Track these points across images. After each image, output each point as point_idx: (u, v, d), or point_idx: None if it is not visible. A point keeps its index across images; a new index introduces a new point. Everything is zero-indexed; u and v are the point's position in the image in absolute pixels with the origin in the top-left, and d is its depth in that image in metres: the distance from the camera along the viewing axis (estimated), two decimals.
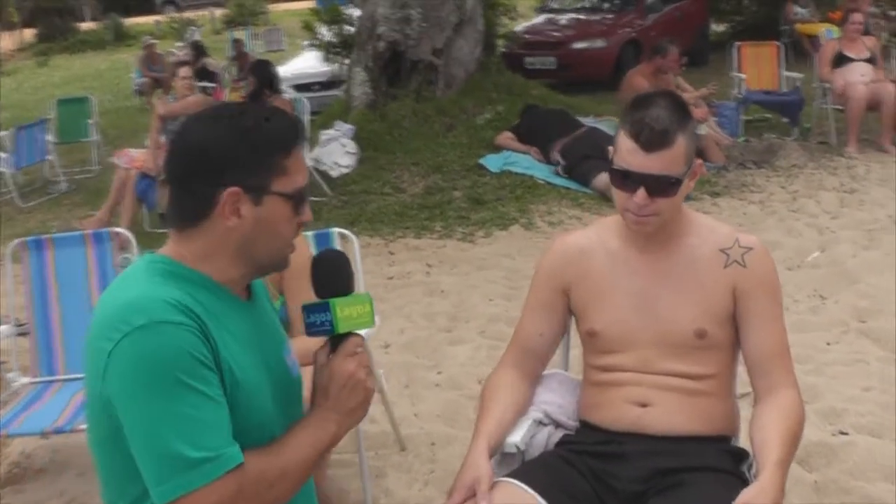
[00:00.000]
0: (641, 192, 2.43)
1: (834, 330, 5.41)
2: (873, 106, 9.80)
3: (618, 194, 2.51)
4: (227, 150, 1.87)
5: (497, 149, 9.42)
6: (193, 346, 1.79)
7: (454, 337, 5.52)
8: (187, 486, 1.75)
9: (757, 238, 2.63)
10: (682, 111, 2.48)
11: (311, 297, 3.41)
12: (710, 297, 2.55)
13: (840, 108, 10.10)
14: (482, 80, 10.69)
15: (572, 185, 8.72)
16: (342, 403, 1.96)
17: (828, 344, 5.24)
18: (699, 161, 2.54)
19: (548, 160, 9.09)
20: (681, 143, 2.43)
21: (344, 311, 1.94)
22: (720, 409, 2.61)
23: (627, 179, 2.45)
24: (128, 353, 1.76)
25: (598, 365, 2.65)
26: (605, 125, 9.98)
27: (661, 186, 2.43)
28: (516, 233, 7.73)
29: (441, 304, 6.08)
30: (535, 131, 9.30)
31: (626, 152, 2.45)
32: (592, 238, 2.71)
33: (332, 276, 2.00)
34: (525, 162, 9.15)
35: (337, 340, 1.97)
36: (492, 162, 9.14)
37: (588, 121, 10.04)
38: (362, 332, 2.01)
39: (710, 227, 2.65)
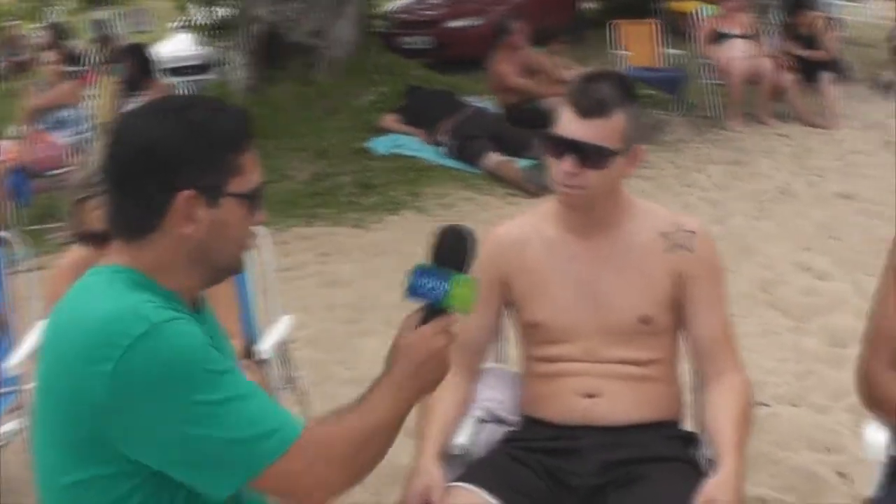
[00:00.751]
0: (570, 160, 2.38)
1: (741, 303, 5.47)
2: (753, 80, 10.02)
3: (550, 163, 2.46)
4: (180, 149, 1.71)
5: (383, 131, 9.31)
6: (199, 334, 1.67)
7: (360, 329, 5.39)
8: (264, 461, 1.65)
9: (699, 221, 2.61)
10: (626, 91, 2.45)
11: (229, 302, 3.23)
12: (652, 282, 2.51)
13: (721, 83, 10.28)
14: (362, 61, 10.55)
15: (462, 166, 8.67)
16: (423, 375, 1.82)
17: (737, 317, 5.29)
18: (641, 147, 2.49)
19: (435, 142, 9.02)
20: (619, 118, 2.39)
21: (461, 288, 1.85)
22: (668, 394, 2.58)
23: (559, 146, 2.41)
24: (141, 366, 1.60)
25: (542, 356, 2.59)
26: (488, 104, 9.96)
27: (592, 156, 2.38)
28: (409, 217, 7.65)
29: (342, 295, 5.95)
30: (421, 112, 9.23)
31: (563, 119, 2.41)
32: (526, 227, 2.64)
33: (461, 251, 1.89)
34: (412, 144, 9.06)
35: (433, 312, 1.86)
36: (379, 145, 9.02)
37: (472, 100, 9.98)
38: None
39: (649, 210, 2.61)
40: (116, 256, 1.78)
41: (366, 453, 1.76)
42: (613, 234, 2.53)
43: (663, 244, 2.52)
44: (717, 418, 2.41)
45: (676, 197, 7.80)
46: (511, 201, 7.95)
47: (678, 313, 2.54)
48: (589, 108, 2.37)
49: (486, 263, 2.58)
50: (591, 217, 2.51)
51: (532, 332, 2.60)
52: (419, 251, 6.33)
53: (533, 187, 8.02)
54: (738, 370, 2.52)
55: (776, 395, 4.36)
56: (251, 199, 1.80)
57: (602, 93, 2.38)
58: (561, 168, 2.40)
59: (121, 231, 1.78)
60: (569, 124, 2.39)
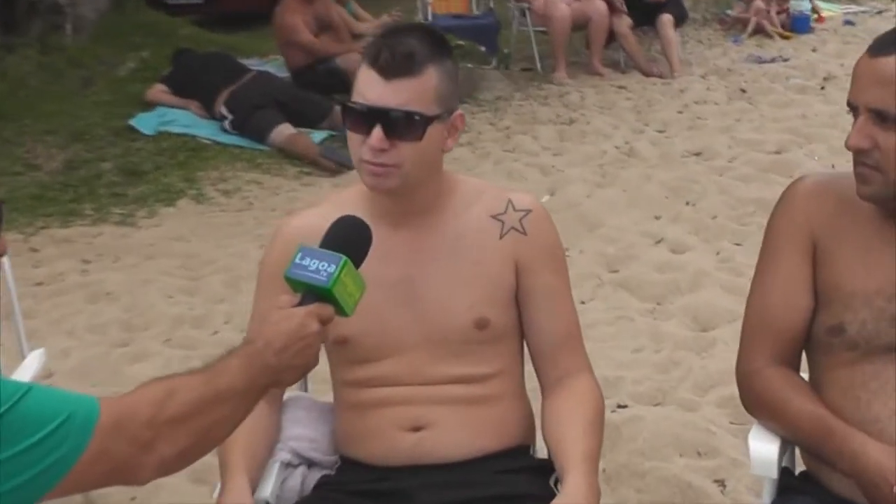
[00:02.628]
0: (378, 132, 2.23)
1: (586, 285, 5.48)
2: (580, 25, 10.14)
3: (351, 140, 2.32)
4: None
5: (149, 105, 9.05)
6: None
7: (134, 352, 5.15)
8: (71, 452, 1.65)
9: (533, 196, 2.54)
10: (438, 44, 2.33)
11: None
12: (487, 276, 2.42)
13: (542, 29, 10.36)
14: (119, 21, 10.31)
15: (245, 142, 8.51)
16: (286, 356, 1.87)
17: (582, 303, 5.28)
18: (459, 112, 2.37)
19: (212, 115, 8.81)
20: (431, 76, 2.27)
21: (348, 278, 1.93)
22: (513, 414, 2.50)
23: (362, 117, 2.26)
24: None
25: (354, 380, 2.46)
26: (273, 67, 9.87)
27: (403, 125, 2.25)
28: (186, 208, 7.43)
29: (110, 311, 5.67)
30: (193, 81, 9.00)
31: (363, 84, 2.27)
32: (329, 217, 2.43)
33: (355, 238, 2.03)
34: (185, 119, 8.82)
35: (312, 298, 1.93)
36: (144, 122, 8.74)
37: (253, 63, 9.85)
38: None
39: (476, 189, 2.51)
40: None
41: (205, 418, 1.79)
42: (436, 222, 2.43)
43: (497, 229, 2.43)
44: (560, 428, 2.35)
45: (498, 165, 7.81)
46: (306, 182, 7.86)
47: (518, 312, 2.47)
48: (393, 66, 2.23)
49: (278, 269, 2.42)
50: (408, 203, 2.39)
51: (341, 351, 2.45)
52: (199, 249, 6.13)
53: (331, 163, 7.97)
54: (583, 371, 2.48)
55: (635, 393, 4.36)
56: None
57: (408, 46, 2.26)
58: (366, 144, 2.25)
59: None
60: (370, 89, 2.25)
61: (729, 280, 5.35)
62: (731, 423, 4.06)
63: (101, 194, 7.62)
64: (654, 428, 4.03)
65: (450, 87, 2.32)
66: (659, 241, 6.02)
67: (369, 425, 2.44)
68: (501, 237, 2.43)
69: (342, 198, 2.53)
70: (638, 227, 6.24)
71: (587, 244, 6.02)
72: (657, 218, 6.40)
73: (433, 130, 2.28)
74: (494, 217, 2.44)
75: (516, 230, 2.43)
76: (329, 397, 2.61)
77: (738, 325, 4.65)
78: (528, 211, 2.45)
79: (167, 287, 5.94)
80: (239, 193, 7.64)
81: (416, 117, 2.25)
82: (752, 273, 5.27)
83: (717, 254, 5.76)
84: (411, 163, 2.28)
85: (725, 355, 4.54)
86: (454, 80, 2.35)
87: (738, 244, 5.84)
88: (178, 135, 8.56)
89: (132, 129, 8.65)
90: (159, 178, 7.86)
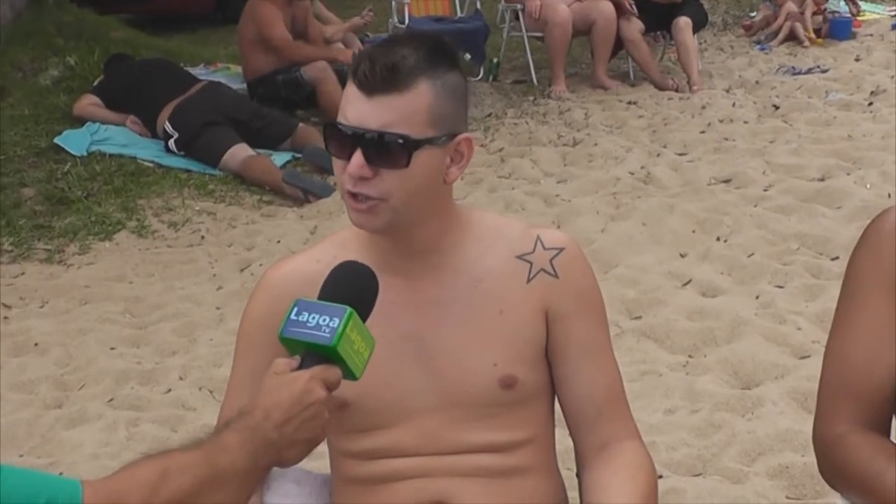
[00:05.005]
0: (357, 158, 2.22)
1: None
2: (582, 30, 10.19)
3: (336, 167, 2.32)
4: None
5: (77, 121, 9.03)
6: None
7: (71, 414, 5.11)
8: None
9: (565, 234, 2.54)
10: (437, 55, 2.30)
11: None
12: (513, 327, 2.41)
13: (539, 35, 10.41)
14: (38, 20, 10.36)
15: (193, 165, 8.54)
16: (287, 430, 1.91)
17: None
18: (465, 136, 2.35)
19: (154, 132, 8.83)
20: (423, 92, 2.24)
21: (354, 332, 1.96)
22: (546, 488, 2.50)
23: (341, 141, 2.26)
24: None
25: (358, 451, 2.45)
26: (223, 76, 9.89)
27: (384, 149, 2.23)
28: (126, 242, 7.41)
29: (39, 365, 5.65)
30: (130, 92, 9.00)
31: (346, 101, 2.27)
32: (324, 261, 2.42)
33: (361, 286, 2.06)
34: (121, 137, 8.83)
35: (313, 360, 1.96)
36: (73, 141, 8.71)
37: (200, 72, 9.90)
38: None
39: (496, 226, 2.50)
40: None
41: (202, 500, 1.82)
42: (448, 266, 2.42)
43: (524, 271, 2.43)
44: None
45: (493, 193, 7.84)
46: (267, 212, 7.86)
47: (549, 368, 2.46)
48: (373, 79, 2.22)
49: (264, 322, 2.43)
50: (414, 243, 2.38)
51: (340, 418, 2.41)
52: (145, 291, 6.10)
53: (296, 191, 7.97)
54: (631, 438, 2.47)
55: (671, 461, 4.35)
56: None
57: (393, 57, 2.23)
58: (347, 171, 2.25)
59: None
60: (351, 107, 2.25)
61: (771, 328, 5.35)
62: (788, 497, 4.05)
63: (22, 226, 7.58)
64: (697, 503, 4.04)
65: (450, 106, 2.29)
66: (687, 283, 6.02)
67: (380, 502, 2.43)
68: (529, 281, 2.41)
69: (337, 239, 2.53)
70: (661, 266, 6.24)
71: (602, 287, 5.81)
72: (683, 256, 6.41)
73: (426, 156, 2.26)
74: (520, 258, 2.43)
75: (546, 273, 2.42)
76: (323, 467, 2.59)
77: (786, 382, 4.81)
78: (560, 249, 2.44)
79: (108, 337, 5.91)
80: (188, 225, 7.63)
81: (400, 140, 2.22)
82: (797, 321, 5.36)
83: (756, 297, 5.76)
84: (400, 195, 2.26)
85: (774, 417, 4.55)
86: (458, 98, 2.33)
87: (779, 286, 5.84)
88: (114, 156, 8.57)
89: (58, 149, 8.63)
90: (92, 206, 7.84)
